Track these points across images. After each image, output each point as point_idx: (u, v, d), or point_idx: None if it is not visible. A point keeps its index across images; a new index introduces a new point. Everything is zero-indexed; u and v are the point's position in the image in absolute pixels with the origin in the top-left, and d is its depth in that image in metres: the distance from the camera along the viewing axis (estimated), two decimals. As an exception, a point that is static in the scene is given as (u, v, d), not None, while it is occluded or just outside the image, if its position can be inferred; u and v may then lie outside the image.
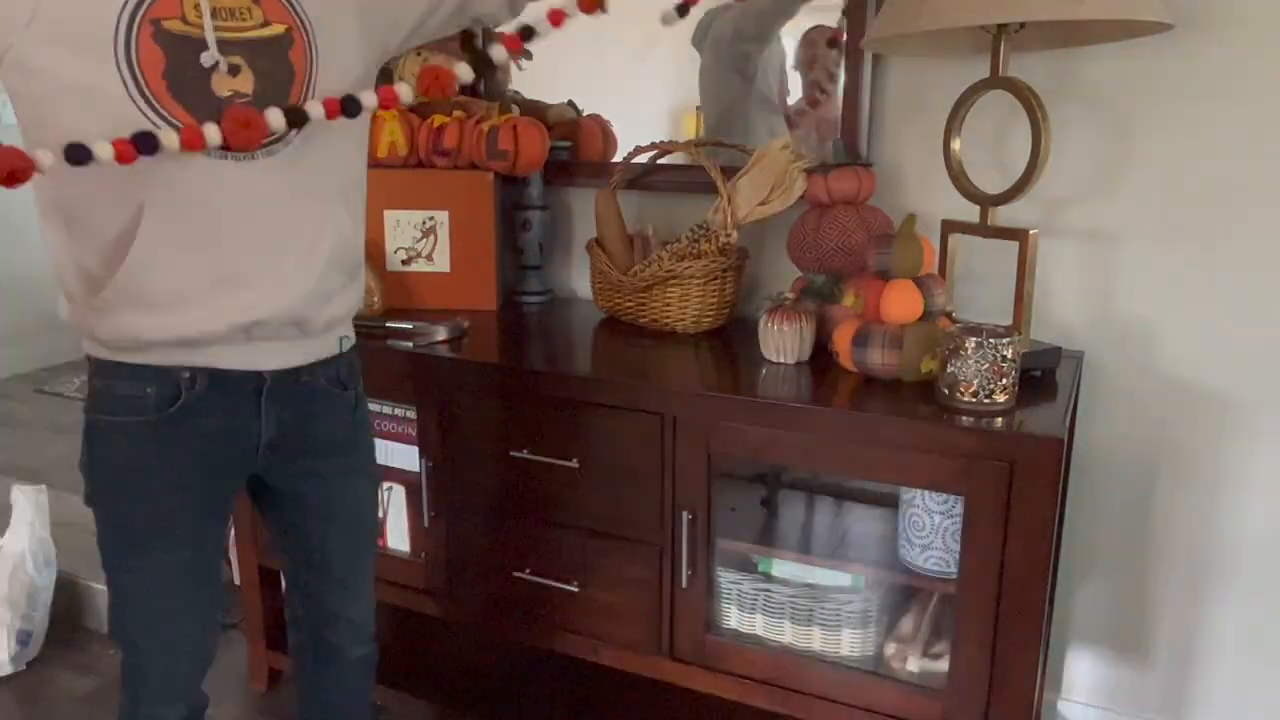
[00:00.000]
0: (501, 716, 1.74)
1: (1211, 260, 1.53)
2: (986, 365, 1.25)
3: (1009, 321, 1.65)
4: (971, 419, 1.24)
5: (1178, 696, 1.72)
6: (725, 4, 1.77)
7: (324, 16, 1.09)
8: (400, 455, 1.71)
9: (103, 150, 0.93)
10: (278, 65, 1.05)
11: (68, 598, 2.20)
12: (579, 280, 2.05)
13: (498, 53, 1.09)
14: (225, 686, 1.99)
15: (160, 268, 1.04)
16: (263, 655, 1.94)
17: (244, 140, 1.00)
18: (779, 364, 1.50)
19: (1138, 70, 1.52)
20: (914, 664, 1.41)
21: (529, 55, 1.96)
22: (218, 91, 1.02)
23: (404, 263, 1.84)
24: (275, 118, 1.01)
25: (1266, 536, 1.59)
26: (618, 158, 1.92)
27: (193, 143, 0.97)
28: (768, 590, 1.48)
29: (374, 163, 1.81)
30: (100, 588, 2.15)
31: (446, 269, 1.84)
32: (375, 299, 1.74)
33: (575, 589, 1.55)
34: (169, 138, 0.96)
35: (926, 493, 1.37)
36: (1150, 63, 1.51)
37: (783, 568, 1.50)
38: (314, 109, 1.03)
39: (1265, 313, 1.51)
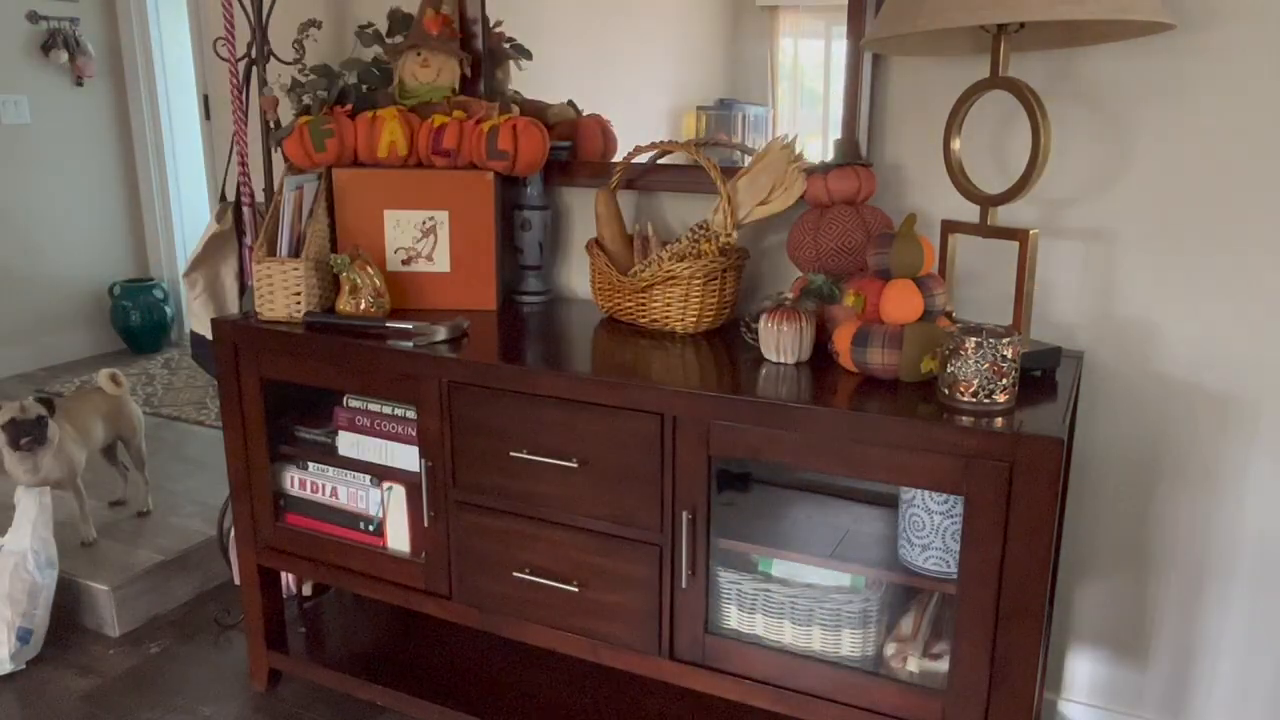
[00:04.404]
0: (502, 716, 1.74)
1: (1211, 260, 1.53)
2: (986, 365, 1.25)
3: (1009, 321, 1.65)
4: (971, 419, 1.24)
5: (1178, 696, 1.72)
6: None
7: None
8: (400, 455, 1.72)
9: None
10: None
11: (68, 598, 2.20)
12: (579, 280, 2.06)
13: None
14: (225, 686, 1.99)
15: None
16: (263, 655, 1.94)
17: None
18: (779, 364, 1.50)
19: (1138, 70, 1.52)
20: (914, 664, 1.42)
21: (528, 55, 1.97)
22: None
23: (404, 263, 1.84)
24: None
25: (1266, 536, 1.59)
26: (618, 158, 1.92)
27: None
28: (768, 590, 1.48)
29: (374, 163, 1.81)
30: (101, 587, 2.16)
31: (446, 269, 1.84)
32: (373, 299, 1.74)
33: (575, 589, 1.56)
34: None
35: (926, 493, 1.37)
36: (1150, 63, 1.51)
37: (783, 568, 1.50)
38: None
39: (1265, 313, 1.51)
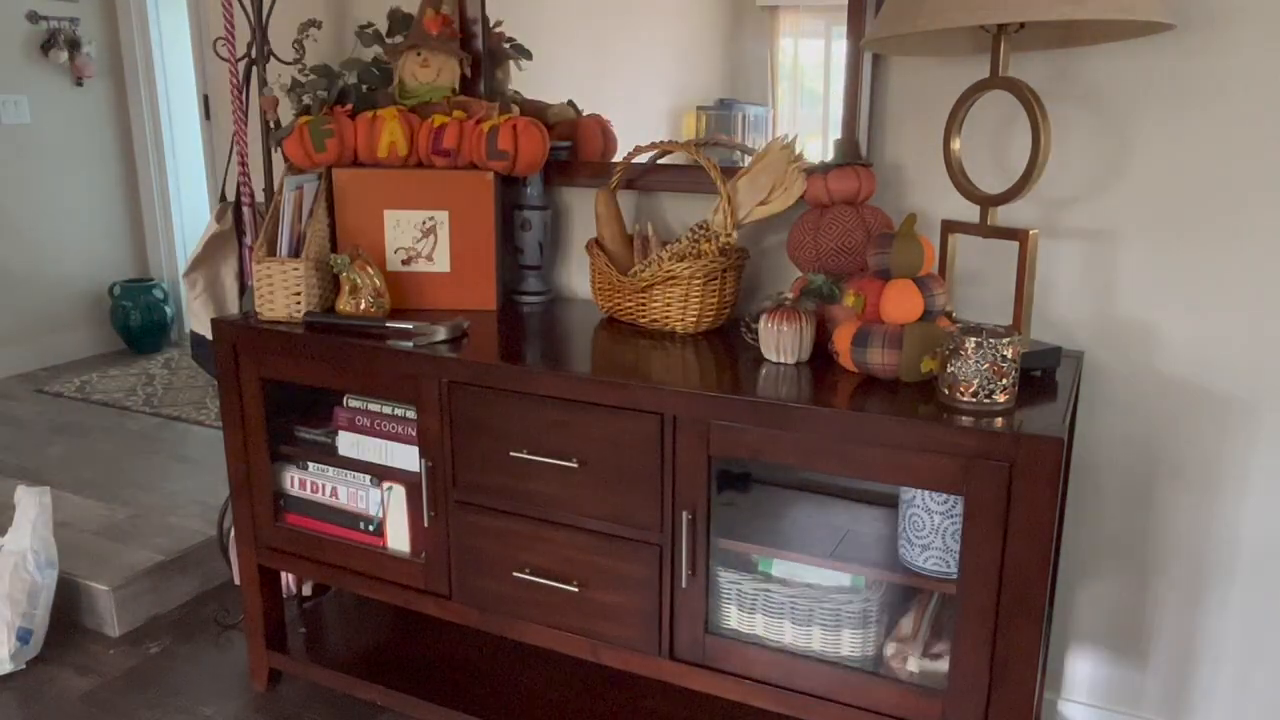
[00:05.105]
0: (502, 716, 1.74)
1: (1211, 260, 1.53)
2: (986, 365, 1.25)
3: (1009, 321, 1.65)
4: (971, 419, 1.24)
5: (1177, 696, 1.72)
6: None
7: None
8: (400, 455, 1.72)
9: None
10: None
11: (68, 598, 2.20)
12: (579, 280, 2.06)
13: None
14: (225, 686, 1.99)
15: None
16: (263, 655, 1.94)
17: None
18: (779, 364, 1.50)
19: (1138, 70, 1.52)
20: (914, 664, 1.42)
21: (528, 55, 1.97)
22: None
23: (404, 263, 1.84)
24: None
25: (1266, 536, 1.59)
26: (618, 158, 1.92)
27: None
28: (768, 590, 1.48)
29: (374, 163, 1.81)
30: (101, 587, 2.16)
31: (446, 269, 1.84)
32: (373, 299, 1.74)
33: (575, 589, 1.56)
34: None
35: (926, 493, 1.37)
36: (1150, 63, 1.51)
37: (783, 568, 1.50)
38: None
39: (1265, 312, 1.51)
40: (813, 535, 1.54)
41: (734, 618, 1.51)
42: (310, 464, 1.84)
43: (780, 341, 1.48)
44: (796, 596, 1.46)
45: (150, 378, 3.99)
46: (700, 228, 1.69)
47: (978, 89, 1.42)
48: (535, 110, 1.96)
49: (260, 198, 2.17)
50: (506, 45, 1.98)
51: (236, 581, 2.21)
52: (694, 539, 1.44)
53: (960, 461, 1.24)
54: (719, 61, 1.80)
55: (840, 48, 1.68)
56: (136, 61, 4.32)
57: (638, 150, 1.79)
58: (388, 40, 1.95)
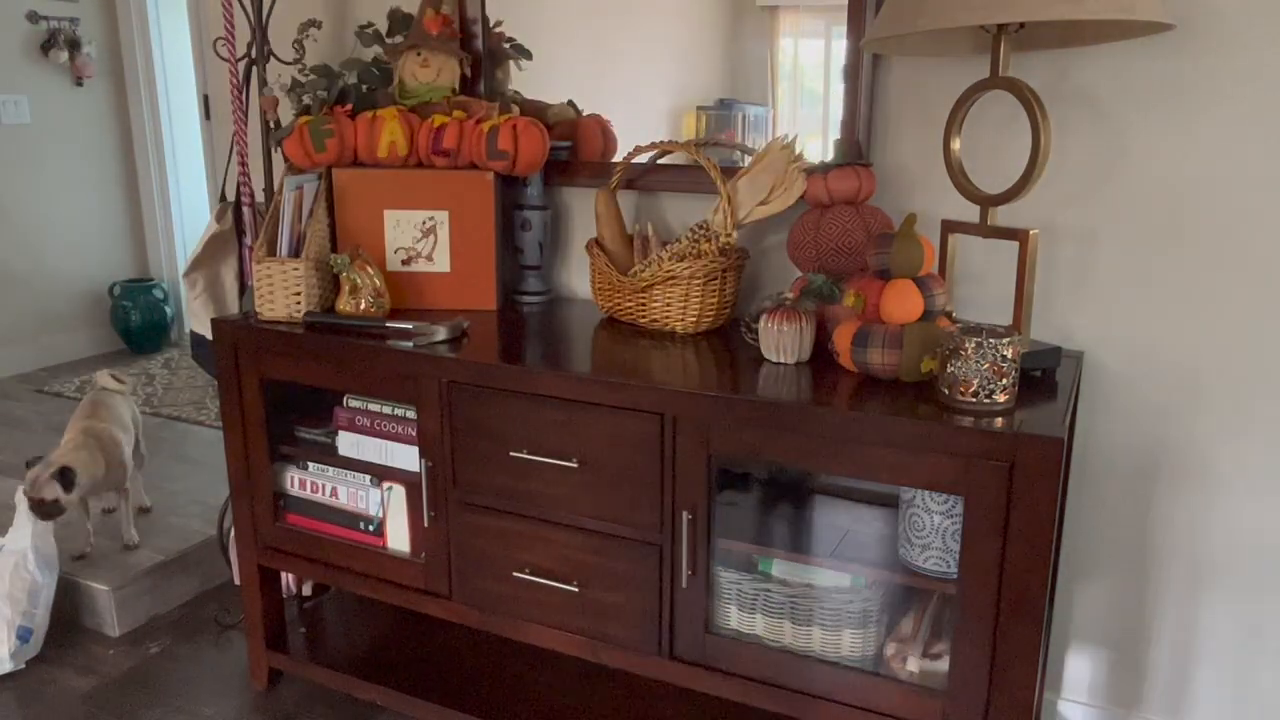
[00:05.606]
0: (501, 716, 1.74)
1: (1211, 260, 1.53)
2: (986, 365, 1.25)
3: (1009, 321, 1.65)
4: (971, 419, 1.24)
5: (1177, 696, 1.72)
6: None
7: None
8: (400, 455, 1.72)
9: None
10: None
11: (68, 598, 2.20)
12: (579, 280, 2.06)
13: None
14: (225, 686, 1.99)
15: None
16: (262, 655, 1.94)
17: None
18: (779, 364, 1.50)
19: (1138, 70, 1.52)
20: (914, 664, 1.42)
21: (528, 55, 1.97)
22: None
23: (404, 263, 1.84)
24: None
25: (1265, 536, 1.59)
26: (618, 158, 1.92)
27: None
28: (768, 590, 1.48)
29: (374, 163, 1.81)
30: (101, 587, 2.16)
31: (446, 269, 1.84)
32: (373, 299, 1.74)
33: (575, 589, 1.56)
34: None
35: (926, 493, 1.37)
36: (1150, 63, 1.51)
37: (783, 568, 1.50)
38: None
39: (1265, 313, 1.51)
40: (813, 535, 1.54)
41: (734, 618, 1.51)
42: (310, 464, 1.84)
43: (780, 341, 1.48)
44: (796, 596, 1.46)
45: (150, 378, 3.99)
46: (700, 228, 1.69)
47: (978, 89, 1.42)
48: (535, 110, 1.96)
49: (260, 198, 2.17)
50: (506, 45, 1.98)
51: (236, 581, 2.21)
52: (694, 539, 1.44)
53: (960, 461, 1.24)
54: (719, 61, 1.81)
55: (840, 48, 1.68)
56: (136, 61, 4.32)
57: (638, 150, 1.79)
58: (388, 40, 1.95)
